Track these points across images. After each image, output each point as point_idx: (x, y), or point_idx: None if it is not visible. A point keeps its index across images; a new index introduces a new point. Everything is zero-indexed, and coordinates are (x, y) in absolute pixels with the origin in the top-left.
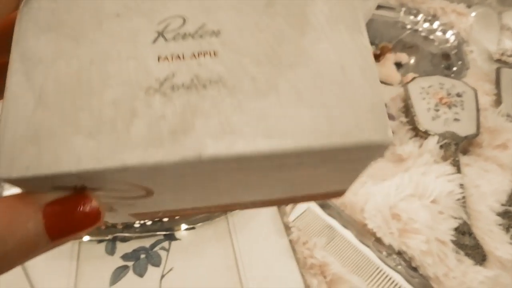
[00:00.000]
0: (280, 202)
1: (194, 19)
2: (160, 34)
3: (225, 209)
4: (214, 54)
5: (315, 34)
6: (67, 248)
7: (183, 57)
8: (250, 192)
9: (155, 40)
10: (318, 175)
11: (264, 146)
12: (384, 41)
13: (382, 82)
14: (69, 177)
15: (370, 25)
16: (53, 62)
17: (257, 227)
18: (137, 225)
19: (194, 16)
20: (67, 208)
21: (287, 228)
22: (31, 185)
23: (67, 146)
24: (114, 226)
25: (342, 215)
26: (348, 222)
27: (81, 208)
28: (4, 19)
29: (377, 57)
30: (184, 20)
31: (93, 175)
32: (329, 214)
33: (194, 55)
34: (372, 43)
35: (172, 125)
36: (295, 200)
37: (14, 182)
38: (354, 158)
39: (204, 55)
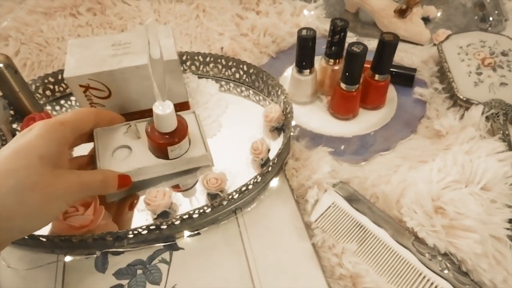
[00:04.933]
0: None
1: (124, 41)
2: (113, 44)
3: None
4: (130, 44)
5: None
6: (52, 266)
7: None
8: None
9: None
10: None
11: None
12: None
13: (410, 42)
14: (99, 75)
15: None
16: (84, 51)
17: (274, 228)
18: (130, 235)
19: (124, 40)
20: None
21: (309, 229)
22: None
23: (86, 68)
24: (103, 238)
25: (374, 211)
26: (382, 219)
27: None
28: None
29: (403, 12)
30: (121, 41)
31: (95, 76)
32: (359, 210)
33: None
34: None
35: (118, 57)
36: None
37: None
38: (172, 68)
39: (126, 45)
